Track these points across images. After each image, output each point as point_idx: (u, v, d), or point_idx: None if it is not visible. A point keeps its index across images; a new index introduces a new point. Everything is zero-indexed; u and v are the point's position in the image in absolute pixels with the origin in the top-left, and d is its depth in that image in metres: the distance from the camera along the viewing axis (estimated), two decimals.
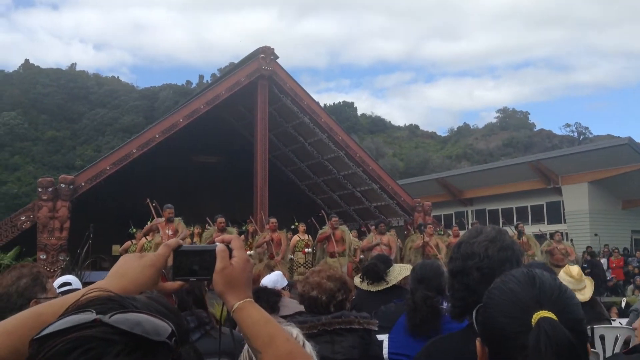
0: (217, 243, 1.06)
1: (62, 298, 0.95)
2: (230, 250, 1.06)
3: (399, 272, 4.28)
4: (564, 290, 1.08)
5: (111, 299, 0.70)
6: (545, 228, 17.50)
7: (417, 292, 2.85)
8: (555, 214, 26.69)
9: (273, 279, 4.08)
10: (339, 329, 2.45)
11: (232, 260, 1.05)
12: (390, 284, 4.20)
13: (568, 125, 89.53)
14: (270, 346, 0.97)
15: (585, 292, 4.09)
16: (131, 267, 1.00)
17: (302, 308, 3.29)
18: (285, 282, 4.23)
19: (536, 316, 1.01)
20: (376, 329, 2.66)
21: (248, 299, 1.03)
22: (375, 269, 4.32)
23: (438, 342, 1.84)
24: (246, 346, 1.30)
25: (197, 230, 13.01)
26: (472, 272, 1.72)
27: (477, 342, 1.12)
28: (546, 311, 1.02)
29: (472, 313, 1.55)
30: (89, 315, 0.65)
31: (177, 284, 1.06)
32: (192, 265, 1.05)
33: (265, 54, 16.20)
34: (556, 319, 1.01)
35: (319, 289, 2.61)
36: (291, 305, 3.77)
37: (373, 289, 4.24)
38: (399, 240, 14.48)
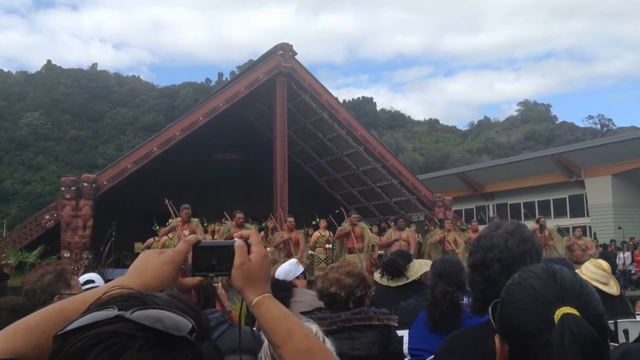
0: (235, 239, 1.07)
1: (84, 294, 0.96)
2: (248, 246, 1.06)
3: (419, 267, 4.26)
4: (584, 286, 1.07)
5: (133, 296, 0.71)
6: (568, 222, 17.28)
7: (437, 287, 2.85)
8: (578, 207, 26.36)
9: (286, 269, 3.97)
10: (358, 325, 2.44)
11: (251, 256, 1.05)
12: (410, 279, 4.19)
13: (591, 117, 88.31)
14: (289, 341, 0.97)
15: (613, 285, 4.02)
16: (151, 263, 1.01)
17: (315, 297, 3.29)
18: (300, 271, 4.08)
19: (559, 312, 0.99)
20: (396, 324, 2.64)
21: (267, 294, 1.03)
22: (395, 264, 4.30)
23: (459, 336, 1.85)
24: (266, 342, 1.30)
25: (217, 227, 13.09)
26: (493, 264, 1.72)
27: (496, 339, 1.11)
28: (569, 307, 1.00)
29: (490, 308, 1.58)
30: (111, 312, 0.66)
31: (196, 279, 1.07)
32: (211, 260, 1.06)
33: (284, 51, 16.21)
34: (579, 315, 0.99)
35: (338, 285, 2.61)
36: (306, 294, 3.74)
37: (393, 284, 4.23)
38: (419, 235, 14.41)
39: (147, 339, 0.63)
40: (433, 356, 1.87)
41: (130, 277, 0.99)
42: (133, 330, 0.64)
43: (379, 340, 2.45)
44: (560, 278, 1.06)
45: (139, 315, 0.65)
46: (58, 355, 0.64)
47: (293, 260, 4.24)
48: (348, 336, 2.38)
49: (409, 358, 2.85)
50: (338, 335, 2.33)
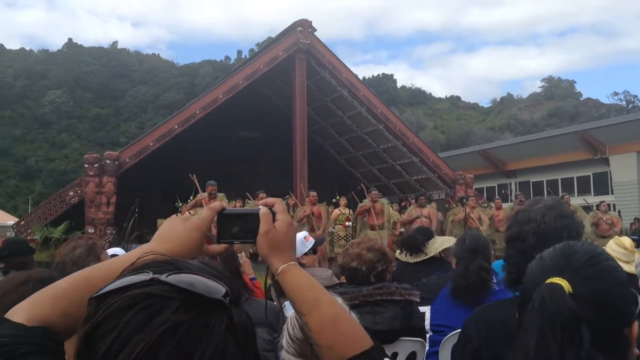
0: (260, 207, 1.06)
1: (110, 261, 0.97)
2: (273, 214, 1.05)
3: (440, 244, 4.23)
4: (596, 263, 1.04)
5: (166, 262, 0.72)
6: (592, 199, 17.01)
7: (474, 262, 2.83)
8: (602, 185, 25.99)
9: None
10: (380, 300, 2.44)
11: (276, 224, 1.04)
12: (429, 256, 4.17)
13: (616, 93, 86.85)
14: (315, 309, 0.97)
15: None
16: (176, 230, 1.01)
17: (328, 277, 3.28)
18: (308, 247, 3.58)
19: (547, 281, 0.99)
20: (418, 300, 2.65)
21: (292, 262, 1.03)
22: (413, 240, 4.30)
23: (486, 310, 1.85)
24: (292, 313, 1.31)
25: (238, 204, 13.18)
26: (528, 237, 1.72)
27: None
28: (560, 278, 0.99)
29: None
30: (146, 275, 0.67)
31: (221, 246, 1.07)
32: (236, 228, 1.06)
33: (303, 27, 16.08)
34: (567, 286, 0.98)
35: (359, 260, 2.62)
36: (318, 272, 3.69)
37: (411, 260, 4.23)
38: (439, 213, 14.35)
39: (182, 301, 0.63)
40: (460, 329, 1.87)
41: (155, 244, 0.99)
42: (169, 292, 0.64)
43: (400, 315, 2.46)
44: (571, 252, 1.06)
45: (174, 278, 0.66)
46: (94, 317, 0.64)
47: (301, 235, 3.72)
48: (370, 310, 2.39)
49: (431, 334, 2.86)
50: (360, 309, 2.33)
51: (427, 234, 4.40)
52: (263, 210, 1.05)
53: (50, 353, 0.81)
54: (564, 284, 0.98)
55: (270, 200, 1.09)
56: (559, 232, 1.69)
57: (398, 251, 4.40)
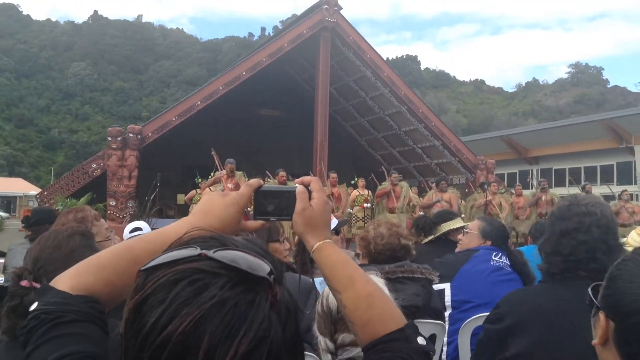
0: (296, 185, 1.07)
1: (153, 233, 0.99)
2: (309, 192, 1.06)
3: (447, 225, 4.20)
4: None
5: (213, 237, 0.73)
6: (615, 189, 16.77)
7: None
8: (627, 174, 25.61)
9: None
10: (401, 277, 2.48)
11: (312, 202, 1.05)
12: (435, 236, 4.17)
13: None
14: (350, 287, 0.98)
15: None
16: (215, 205, 1.02)
17: (352, 255, 3.31)
18: (331, 226, 3.77)
19: None
20: (437, 280, 2.68)
21: (328, 240, 1.04)
22: (419, 222, 4.35)
23: (524, 292, 1.96)
24: (324, 290, 1.33)
25: (258, 178, 13.26)
26: (591, 229, 1.77)
27: (601, 315, 1.05)
28: None
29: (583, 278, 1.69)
30: (194, 250, 0.68)
31: (257, 223, 1.08)
32: (273, 205, 1.07)
33: (329, 5, 15.90)
34: None
35: (380, 241, 2.65)
36: None
37: (420, 240, 4.26)
38: (460, 199, 14.26)
39: (229, 277, 0.65)
40: (477, 304, 1.94)
41: (195, 218, 1.01)
42: (216, 268, 0.65)
43: (422, 293, 2.50)
44: None
45: (221, 254, 0.67)
46: (142, 289, 0.66)
47: None
48: (391, 288, 2.39)
49: (451, 311, 2.90)
50: None
51: (441, 217, 4.38)
52: (300, 188, 1.06)
53: (94, 321, 0.83)
54: None
55: (307, 178, 1.09)
56: (615, 225, 1.79)
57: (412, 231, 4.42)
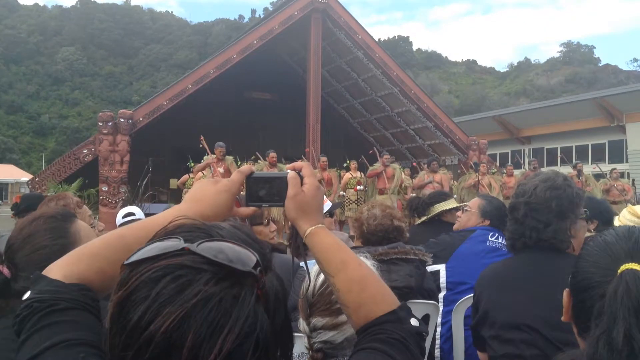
0: (288, 170, 1.08)
1: (144, 221, 0.99)
2: (301, 178, 1.07)
3: (440, 206, 4.20)
4: None
5: (198, 227, 0.72)
6: (606, 167, 16.87)
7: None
8: (618, 153, 25.76)
9: None
10: (395, 258, 2.49)
11: (304, 187, 1.06)
12: (428, 217, 4.17)
13: (635, 59, 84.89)
14: (342, 271, 0.99)
15: None
16: (207, 192, 1.03)
17: (346, 237, 3.33)
18: (325, 208, 3.79)
19: (623, 267, 0.96)
20: (430, 261, 2.69)
21: (320, 225, 1.05)
22: (412, 203, 4.35)
23: (489, 267, 2.16)
24: (314, 269, 1.34)
25: (250, 164, 13.21)
26: (521, 207, 1.96)
27: (565, 293, 1.10)
28: (636, 264, 0.96)
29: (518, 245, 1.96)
30: (178, 243, 0.67)
31: (250, 209, 1.08)
32: (264, 191, 1.08)
33: None
34: None
35: (375, 222, 2.67)
36: (335, 235, 3.73)
37: (413, 222, 4.27)
38: (452, 180, 14.29)
39: (213, 273, 0.64)
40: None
41: (187, 205, 1.01)
42: (199, 263, 0.65)
43: (415, 274, 2.52)
44: (636, 237, 1.02)
45: (205, 247, 0.66)
46: (126, 284, 0.65)
47: None
48: (385, 269, 2.46)
49: (445, 292, 2.91)
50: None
51: (434, 198, 4.38)
52: (291, 174, 1.06)
53: (87, 309, 0.84)
54: None
55: (298, 164, 1.10)
56: (548, 203, 1.90)
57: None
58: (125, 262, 0.68)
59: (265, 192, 1.07)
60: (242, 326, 0.62)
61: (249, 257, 0.67)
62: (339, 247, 1.02)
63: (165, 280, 0.63)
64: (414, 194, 12.41)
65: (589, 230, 2.89)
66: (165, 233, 0.71)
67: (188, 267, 0.64)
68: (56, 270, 0.88)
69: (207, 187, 1.04)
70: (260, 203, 1.08)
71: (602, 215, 3.27)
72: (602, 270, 1.00)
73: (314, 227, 1.04)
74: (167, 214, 0.99)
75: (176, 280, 0.63)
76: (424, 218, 4.20)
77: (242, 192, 1.08)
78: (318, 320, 1.43)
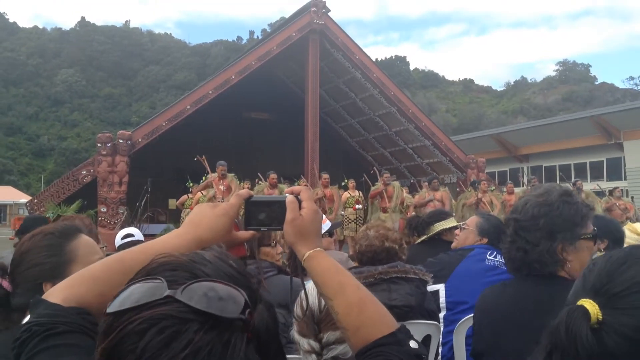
0: (286, 194, 1.08)
1: (144, 245, 0.99)
2: (299, 202, 1.07)
3: (440, 225, 4.18)
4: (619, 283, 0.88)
5: (181, 266, 0.69)
6: (605, 185, 16.85)
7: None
8: (616, 170, 25.80)
9: None
10: (395, 277, 2.50)
11: (302, 211, 1.06)
12: (427, 236, 4.15)
13: (632, 77, 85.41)
14: (341, 294, 1.00)
15: None
16: (205, 216, 1.03)
17: (345, 257, 3.32)
18: (323, 230, 3.73)
19: (579, 302, 0.88)
20: (431, 281, 2.69)
21: (318, 249, 1.05)
22: (412, 222, 4.34)
23: (489, 289, 1.98)
24: (301, 293, 1.33)
25: (246, 185, 13.19)
26: (510, 223, 1.83)
27: None
28: (589, 301, 0.86)
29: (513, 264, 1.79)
30: (160, 286, 0.64)
31: (248, 233, 1.08)
32: (263, 215, 1.08)
33: (317, 7, 15.92)
34: (596, 313, 0.84)
35: (375, 243, 2.67)
36: (334, 255, 3.73)
37: (413, 241, 4.25)
38: (451, 199, 14.29)
39: (201, 322, 0.61)
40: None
41: (185, 229, 1.01)
42: (185, 312, 0.62)
43: (415, 293, 2.52)
44: (618, 271, 0.89)
45: (190, 294, 0.63)
46: (109, 335, 0.62)
47: None
48: (385, 288, 2.48)
49: (445, 312, 2.89)
50: (375, 287, 2.40)
51: (434, 217, 4.37)
52: (289, 198, 1.07)
53: (86, 333, 0.83)
54: (593, 309, 0.85)
55: (297, 188, 1.11)
56: (535, 220, 1.74)
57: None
58: (107, 311, 0.65)
59: (264, 216, 1.07)
60: None
61: (237, 300, 0.64)
62: (336, 270, 1.03)
63: (151, 332, 0.60)
64: (414, 213, 12.40)
65: (600, 250, 2.79)
66: (146, 272, 0.69)
67: (174, 317, 0.61)
68: (56, 294, 0.88)
69: (205, 211, 1.04)
70: (258, 227, 1.09)
71: (612, 234, 3.13)
72: (571, 300, 0.93)
73: (312, 251, 1.04)
74: (166, 238, 0.99)
75: (162, 332, 0.60)
76: (423, 237, 4.19)
77: (240, 216, 1.08)
78: (330, 335, 1.43)
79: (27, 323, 0.83)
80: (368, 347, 0.94)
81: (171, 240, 0.97)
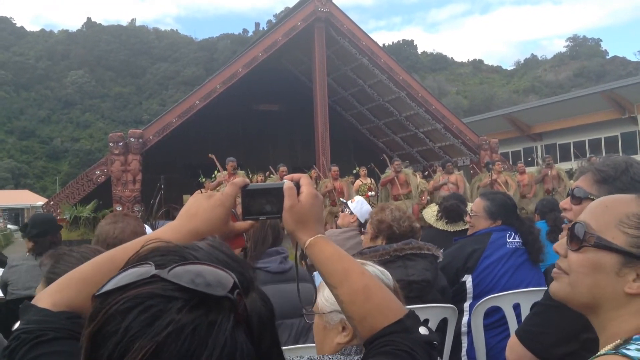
0: (285, 181, 1.04)
1: (133, 242, 0.95)
2: (298, 188, 1.03)
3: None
4: None
5: (170, 251, 0.67)
6: None
7: None
8: (631, 144, 25.49)
9: (364, 209, 3.77)
10: (409, 254, 2.53)
11: (300, 197, 1.02)
12: (462, 229, 4.08)
13: None
14: (345, 281, 0.96)
15: None
16: (201, 207, 1.00)
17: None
18: (369, 208, 3.79)
19: None
20: (441, 257, 2.70)
21: (320, 235, 1.01)
22: (458, 210, 4.18)
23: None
24: (317, 282, 1.31)
25: (259, 178, 13.20)
26: None
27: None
28: None
29: None
30: (149, 269, 0.62)
31: (247, 223, 1.05)
32: (261, 203, 1.03)
33: None
34: None
35: (389, 223, 2.73)
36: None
37: (450, 228, 4.14)
38: (465, 181, 14.19)
39: (185, 300, 0.59)
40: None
41: (181, 222, 0.99)
42: (171, 290, 0.60)
43: (430, 268, 2.56)
44: None
45: (177, 273, 0.61)
46: (96, 317, 0.61)
47: (358, 198, 4.05)
48: (401, 264, 2.50)
49: (472, 301, 2.87)
50: (391, 265, 2.41)
51: (465, 202, 4.33)
52: (287, 184, 1.03)
53: (76, 337, 0.81)
54: None
55: (296, 175, 1.07)
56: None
57: (433, 218, 4.30)
58: (95, 294, 0.64)
59: (261, 204, 1.03)
60: (219, 355, 0.58)
61: (226, 280, 0.62)
62: (340, 257, 0.99)
63: (135, 311, 0.58)
64: (429, 197, 12.33)
65: None
66: (137, 259, 0.67)
67: (159, 295, 0.59)
68: (45, 299, 0.85)
69: (200, 202, 1.00)
70: (257, 216, 1.04)
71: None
72: None
73: (313, 238, 1.00)
74: (160, 232, 0.96)
75: (147, 311, 0.58)
76: (463, 226, 4.08)
77: (238, 205, 1.05)
78: None
79: (15, 330, 0.81)
80: (375, 336, 0.92)
81: (166, 234, 0.94)
